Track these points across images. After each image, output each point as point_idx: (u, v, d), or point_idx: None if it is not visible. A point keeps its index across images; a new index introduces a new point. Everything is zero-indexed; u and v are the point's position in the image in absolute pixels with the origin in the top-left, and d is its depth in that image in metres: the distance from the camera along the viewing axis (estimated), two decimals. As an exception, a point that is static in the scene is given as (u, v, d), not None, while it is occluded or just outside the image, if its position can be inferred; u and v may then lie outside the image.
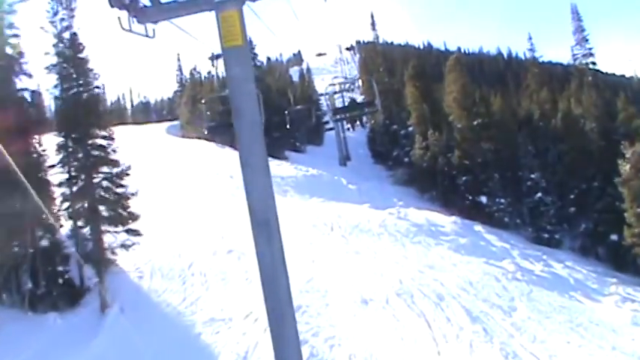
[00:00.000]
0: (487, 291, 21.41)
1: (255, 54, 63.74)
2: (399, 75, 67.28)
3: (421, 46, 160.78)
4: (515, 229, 41.10)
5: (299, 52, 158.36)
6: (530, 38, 60.71)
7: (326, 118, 69.92)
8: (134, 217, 22.73)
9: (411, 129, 52.79)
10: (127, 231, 22.40)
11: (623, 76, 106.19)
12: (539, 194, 41.33)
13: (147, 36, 8.60)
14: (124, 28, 8.38)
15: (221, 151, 54.15)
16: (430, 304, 19.28)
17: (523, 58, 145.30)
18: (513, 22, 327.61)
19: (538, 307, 20.66)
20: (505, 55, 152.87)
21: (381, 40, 73.01)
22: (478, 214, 39.89)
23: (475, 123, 44.04)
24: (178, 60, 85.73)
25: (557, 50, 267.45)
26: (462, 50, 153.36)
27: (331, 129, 60.23)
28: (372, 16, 67.02)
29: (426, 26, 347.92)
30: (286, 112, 42.73)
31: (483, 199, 41.80)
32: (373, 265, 23.14)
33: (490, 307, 19.52)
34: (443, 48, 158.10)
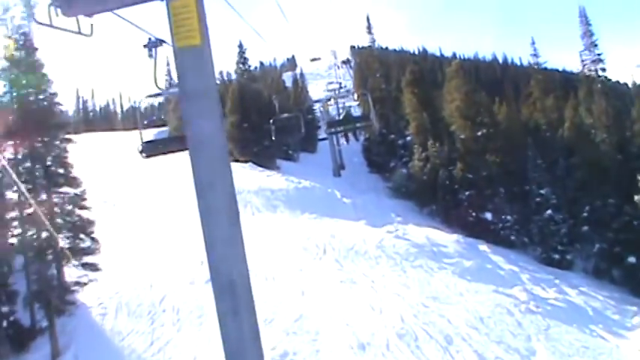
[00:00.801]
0: (500, 328, 18.81)
1: (245, 58, 61.20)
2: (396, 81, 64.63)
3: (416, 52, 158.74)
4: (523, 249, 38.24)
5: (293, 57, 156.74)
6: (533, 43, 57.03)
7: (320, 125, 68.12)
8: (92, 249, 19.72)
9: (409, 138, 50.04)
10: (83, 265, 19.43)
11: (617, 82, 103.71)
12: (549, 211, 38.24)
13: (80, 33, 6.12)
14: (39, 22, 5.91)
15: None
16: (437, 348, 16.63)
17: (519, 63, 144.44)
18: (508, 28, 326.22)
19: (559, 348, 18.09)
20: (501, 61, 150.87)
21: (376, 45, 69.74)
22: (482, 231, 37.08)
23: (479, 133, 41.28)
24: (167, 64, 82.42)
25: (555, 57, 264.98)
26: (458, 56, 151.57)
27: (324, 139, 57.72)
28: (368, 19, 63.82)
29: (420, 31, 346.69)
30: (271, 121, 40.07)
31: (488, 215, 38.93)
32: (371, 298, 20.43)
33: (506, 351, 16.93)
34: (438, 53, 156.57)
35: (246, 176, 42.41)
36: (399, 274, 23.96)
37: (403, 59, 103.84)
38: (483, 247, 33.26)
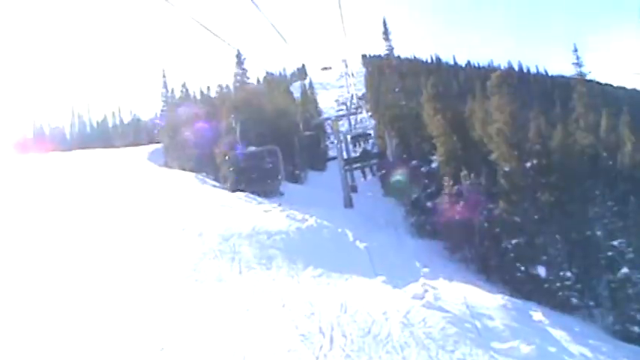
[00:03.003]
0: None
1: (244, 69, 54.32)
2: (411, 94, 57.55)
3: (429, 60, 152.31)
4: (588, 315, 30.65)
5: (303, 66, 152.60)
6: (575, 50, 49.60)
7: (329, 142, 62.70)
8: None
9: (434, 165, 42.68)
10: None
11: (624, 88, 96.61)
12: (624, 269, 30.81)
13: None
14: None
15: (199, 189, 44.29)
16: None
17: (535, 71, 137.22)
18: (519, 34, 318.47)
19: None
20: (516, 69, 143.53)
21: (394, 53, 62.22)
22: (534, 290, 29.70)
23: (528, 165, 33.68)
24: (164, 76, 76.01)
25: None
26: (472, 64, 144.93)
27: (334, 158, 52.04)
28: (385, 24, 56.47)
29: (431, 38, 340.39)
30: (226, 157, 32.19)
31: (541, 270, 31.43)
32: None
33: None
34: (452, 62, 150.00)
35: (238, 213, 34.93)
36: (436, 379, 16.24)
37: (417, 69, 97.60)
38: (538, 314, 25.51)
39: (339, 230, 34.38)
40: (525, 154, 33.60)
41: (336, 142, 47.85)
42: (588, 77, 51.28)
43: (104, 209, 37.45)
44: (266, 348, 16.85)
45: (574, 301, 30.63)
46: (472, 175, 35.65)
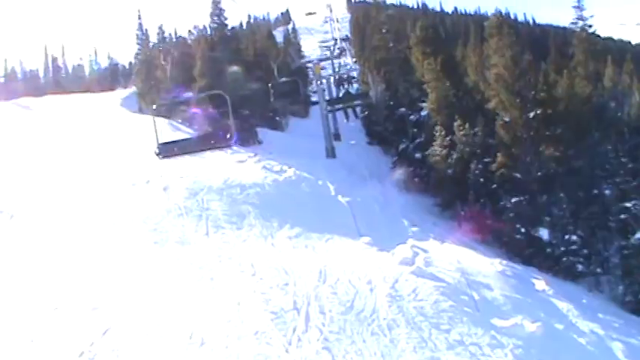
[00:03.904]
0: None
1: (221, 9, 50.86)
2: (401, 38, 54.87)
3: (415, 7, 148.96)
4: (595, 283, 28.26)
5: (287, 10, 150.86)
6: (577, -6, 46.21)
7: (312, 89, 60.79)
8: None
9: (424, 113, 39.88)
10: None
11: (612, 39, 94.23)
12: (638, 235, 28.28)
13: None
14: None
15: (171, 137, 41.37)
16: None
17: (524, 19, 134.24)
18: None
19: None
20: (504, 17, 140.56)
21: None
22: (534, 254, 27.72)
23: (532, 115, 30.68)
24: (139, 17, 71.66)
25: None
26: (459, 11, 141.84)
27: (316, 103, 49.81)
28: (373, -40, 54.02)
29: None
30: (154, 107, 30.67)
31: (543, 232, 29.06)
32: None
33: None
34: (438, 8, 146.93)
35: (210, 164, 31.97)
36: (432, 369, 13.33)
37: (403, 14, 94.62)
38: (540, 283, 22.91)
39: (320, 183, 32.12)
40: (529, 102, 30.89)
41: (319, 83, 45.47)
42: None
43: (65, 160, 34.86)
44: (230, 329, 14.14)
45: (579, 267, 28.40)
46: (467, 124, 32.99)
